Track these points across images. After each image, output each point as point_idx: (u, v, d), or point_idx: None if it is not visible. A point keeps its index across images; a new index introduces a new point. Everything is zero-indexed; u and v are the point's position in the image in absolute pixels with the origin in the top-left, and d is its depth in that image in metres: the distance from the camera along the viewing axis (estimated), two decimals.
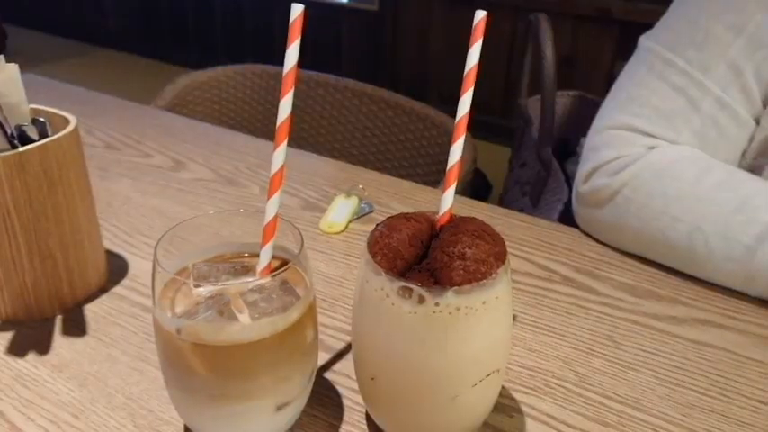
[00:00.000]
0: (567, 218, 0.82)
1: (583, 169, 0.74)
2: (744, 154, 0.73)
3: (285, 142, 0.44)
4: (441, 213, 0.45)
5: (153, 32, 3.98)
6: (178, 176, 0.87)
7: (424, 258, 0.43)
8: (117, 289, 0.64)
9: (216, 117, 1.40)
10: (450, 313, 0.40)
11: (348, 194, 0.81)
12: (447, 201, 0.45)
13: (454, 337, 0.40)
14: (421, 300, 0.40)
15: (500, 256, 0.41)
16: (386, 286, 0.41)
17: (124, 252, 0.70)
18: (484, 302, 0.40)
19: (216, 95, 1.39)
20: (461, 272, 0.40)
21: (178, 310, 0.43)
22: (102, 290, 0.64)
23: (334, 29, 3.19)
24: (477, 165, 1.25)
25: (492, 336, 0.42)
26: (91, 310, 0.61)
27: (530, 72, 1.56)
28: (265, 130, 1.38)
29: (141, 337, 0.58)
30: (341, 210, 0.78)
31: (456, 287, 0.39)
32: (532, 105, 1.57)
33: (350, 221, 0.77)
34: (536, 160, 1.34)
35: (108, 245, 0.71)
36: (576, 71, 2.42)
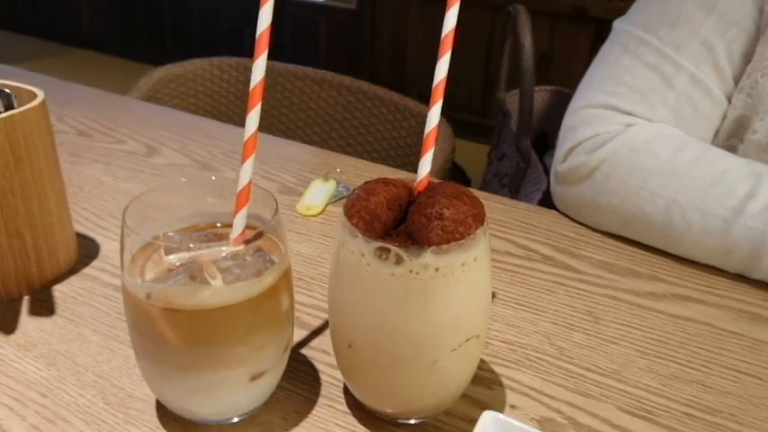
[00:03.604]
0: (546, 206, 0.82)
1: (561, 149, 0.74)
2: (717, 134, 0.74)
3: (259, 104, 0.43)
4: (418, 179, 0.44)
5: (129, 32, 3.94)
6: (151, 162, 0.85)
7: (402, 223, 0.42)
8: (88, 270, 0.62)
9: (191, 110, 1.38)
10: (429, 275, 0.39)
11: (326, 178, 0.80)
12: (425, 166, 0.44)
13: (433, 299, 0.40)
14: (398, 260, 0.39)
15: (479, 218, 0.41)
16: (363, 248, 0.40)
17: (95, 234, 0.68)
18: (463, 264, 0.40)
19: (191, 88, 1.37)
20: (439, 232, 0.39)
21: (148, 277, 0.42)
22: (73, 271, 0.62)
23: (311, 28, 3.18)
24: (455, 161, 1.25)
25: (471, 299, 0.41)
26: (60, 290, 0.59)
27: (508, 66, 1.57)
28: (242, 122, 1.37)
29: (113, 316, 0.56)
30: (318, 192, 0.77)
31: (434, 247, 0.38)
32: (511, 100, 1.57)
33: (327, 204, 0.76)
34: (515, 152, 1.34)
35: (79, 228, 0.69)
36: (553, 69, 2.43)
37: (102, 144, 0.89)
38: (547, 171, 1.28)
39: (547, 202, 0.83)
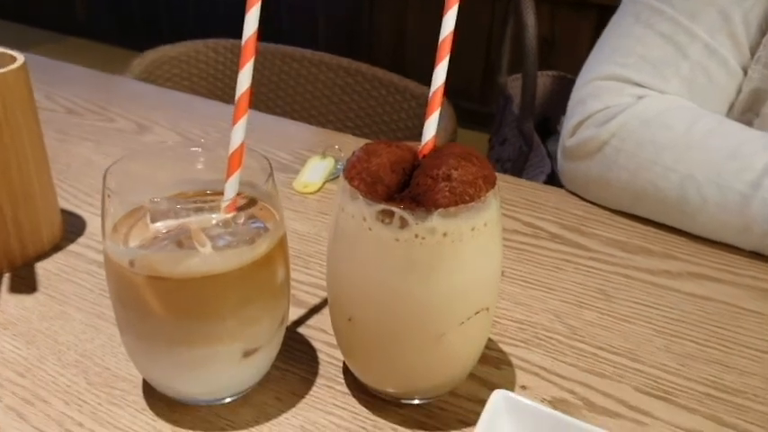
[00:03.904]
0: None
1: (569, 123, 0.71)
2: (731, 108, 0.71)
3: (252, 59, 0.40)
4: (423, 142, 0.41)
5: (124, 20, 3.88)
6: (142, 140, 0.82)
7: (407, 188, 0.39)
8: (72, 247, 0.59)
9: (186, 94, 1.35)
10: (435, 240, 0.36)
11: (324, 155, 0.77)
12: (430, 129, 0.41)
13: (440, 267, 0.37)
14: (403, 224, 0.36)
15: (489, 180, 0.38)
16: (364, 211, 0.37)
17: (82, 211, 0.65)
18: (472, 229, 0.37)
19: (185, 71, 1.34)
20: (447, 193, 0.36)
21: (132, 244, 0.39)
22: (57, 248, 0.59)
23: (309, 11, 3.13)
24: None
25: (481, 268, 0.38)
26: (43, 267, 0.56)
27: (510, 49, 1.53)
28: None
29: (97, 293, 0.53)
30: (316, 170, 0.74)
31: (441, 210, 0.35)
32: (512, 84, 1.54)
33: (325, 182, 0.73)
34: (517, 136, 1.31)
35: (65, 205, 0.66)
36: (555, 56, 2.39)
37: (92, 122, 0.86)
38: (550, 155, 1.25)
39: (551, 185, 0.80)
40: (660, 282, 0.59)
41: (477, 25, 2.66)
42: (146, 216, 0.40)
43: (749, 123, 0.69)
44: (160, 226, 0.40)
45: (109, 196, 0.37)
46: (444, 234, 0.36)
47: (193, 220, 0.39)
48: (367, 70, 1.23)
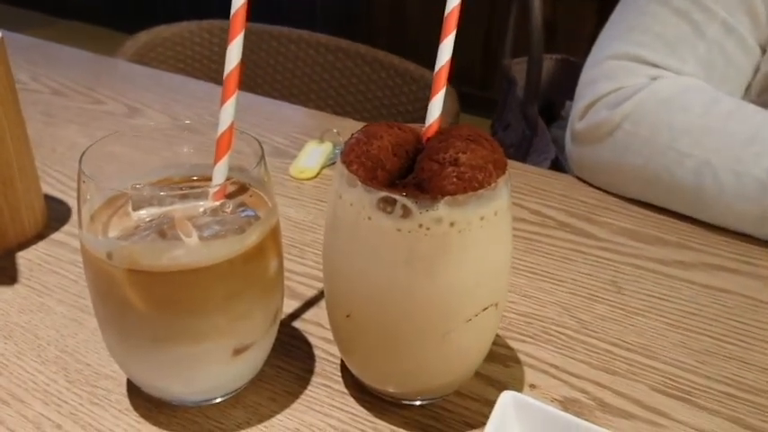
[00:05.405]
0: None
1: (578, 105, 0.68)
2: (748, 89, 0.67)
3: (242, 33, 0.37)
4: (428, 124, 0.38)
5: (118, 4, 3.82)
6: (132, 123, 0.78)
7: (410, 174, 0.36)
8: (56, 235, 0.56)
9: (179, 75, 1.31)
10: (442, 231, 0.33)
11: (321, 140, 0.73)
12: (435, 109, 0.38)
13: (446, 260, 0.34)
14: (406, 213, 0.33)
15: (500, 165, 0.35)
16: (363, 199, 0.34)
17: (67, 197, 0.62)
18: (482, 218, 0.34)
19: (180, 52, 1.30)
20: (455, 179, 0.33)
21: (112, 235, 0.36)
22: (39, 236, 0.56)
23: None
24: None
25: (490, 260, 0.35)
26: (24, 257, 0.53)
27: (514, 32, 1.50)
28: None
29: (81, 285, 0.50)
30: (313, 155, 0.71)
31: (448, 197, 0.32)
32: (516, 68, 1.50)
33: (323, 167, 0.70)
34: (521, 121, 1.28)
35: (49, 190, 0.62)
36: (557, 40, 2.35)
37: (79, 104, 0.83)
38: (554, 140, 1.22)
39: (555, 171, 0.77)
40: (674, 273, 0.56)
41: (477, 8, 2.61)
42: (127, 204, 0.37)
43: (767, 105, 0.66)
44: (142, 214, 0.37)
45: (84, 182, 0.34)
46: (451, 224, 0.33)
47: (178, 208, 0.36)
48: (366, 52, 1.19)
